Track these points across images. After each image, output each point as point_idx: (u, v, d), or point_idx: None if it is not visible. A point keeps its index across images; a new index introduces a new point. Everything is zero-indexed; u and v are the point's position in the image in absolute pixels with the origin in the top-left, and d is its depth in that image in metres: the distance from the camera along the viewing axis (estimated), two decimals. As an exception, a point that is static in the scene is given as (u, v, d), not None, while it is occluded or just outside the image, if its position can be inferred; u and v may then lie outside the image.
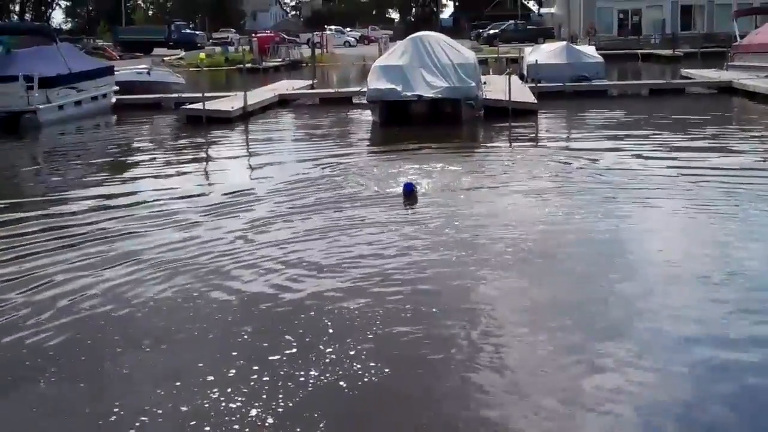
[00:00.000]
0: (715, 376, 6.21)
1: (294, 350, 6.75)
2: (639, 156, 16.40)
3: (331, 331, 7.17)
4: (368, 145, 20.27)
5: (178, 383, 6.24)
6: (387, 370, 6.36)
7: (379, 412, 5.83)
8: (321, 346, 6.80)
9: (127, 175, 16.80)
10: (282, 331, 7.18)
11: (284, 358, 6.59)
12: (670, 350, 6.67)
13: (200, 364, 6.59)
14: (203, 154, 19.94)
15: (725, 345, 6.72)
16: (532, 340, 6.93)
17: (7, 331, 7.52)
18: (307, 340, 6.97)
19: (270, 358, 6.60)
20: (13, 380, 6.56)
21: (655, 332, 7.03)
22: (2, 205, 13.26)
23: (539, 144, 19.48)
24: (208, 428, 5.49)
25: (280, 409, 5.74)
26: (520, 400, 5.86)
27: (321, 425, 5.50)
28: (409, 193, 11.94)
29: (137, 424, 5.59)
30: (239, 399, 5.90)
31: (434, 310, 7.70)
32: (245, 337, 7.15)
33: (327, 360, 6.52)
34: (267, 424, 5.54)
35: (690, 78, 34.14)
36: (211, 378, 6.29)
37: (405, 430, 5.56)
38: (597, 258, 9.33)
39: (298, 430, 5.44)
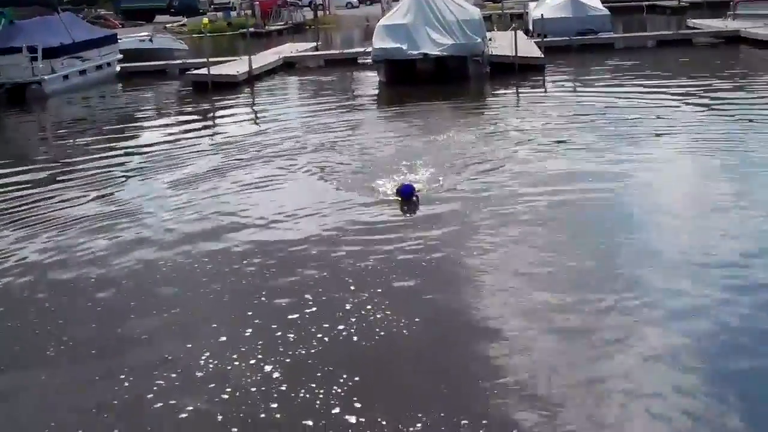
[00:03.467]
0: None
1: (314, 308, 6.78)
2: (652, 104, 16.52)
3: (352, 287, 7.22)
4: (375, 106, 20.20)
5: (189, 345, 6.27)
6: (404, 321, 6.43)
7: (398, 362, 5.88)
8: (340, 302, 6.86)
9: (135, 140, 16.73)
10: (297, 290, 7.23)
11: (306, 316, 6.64)
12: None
13: (213, 325, 6.63)
14: (210, 119, 19.91)
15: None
16: (543, 284, 6.97)
17: (14, 290, 7.65)
18: (324, 298, 7.01)
19: (289, 317, 6.64)
20: (23, 340, 6.64)
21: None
22: (16, 172, 13.32)
23: (548, 97, 19.40)
24: (228, 389, 5.53)
25: (296, 365, 5.80)
26: (533, 346, 5.90)
27: (341, 377, 5.55)
28: (408, 197, 9.74)
29: (153, 387, 5.62)
30: (256, 357, 5.95)
31: (447, 264, 7.74)
32: (261, 297, 7.18)
33: (345, 315, 6.57)
34: (284, 380, 5.58)
35: (696, 28, 33.76)
36: (224, 338, 6.35)
37: (421, 377, 5.59)
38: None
39: (318, 384, 5.50)
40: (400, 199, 9.68)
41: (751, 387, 5.33)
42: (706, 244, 7.92)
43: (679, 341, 5.91)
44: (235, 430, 5.05)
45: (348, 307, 6.75)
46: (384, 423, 5.00)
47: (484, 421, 4.98)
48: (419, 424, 4.94)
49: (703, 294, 6.71)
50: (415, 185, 9.90)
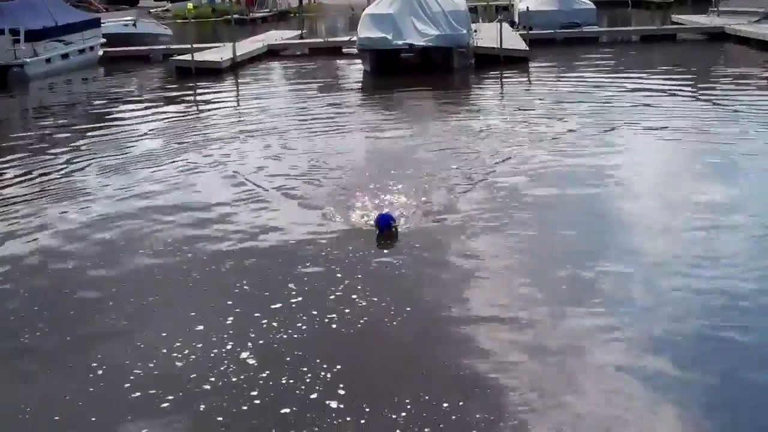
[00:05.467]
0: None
1: (300, 298, 6.76)
2: (636, 97, 16.75)
3: (338, 274, 7.24)
4: (359, 96, 20.14)
5: (164, 334, 6.21)
6: (392, 311, 6.44)
7: (380, 351, 5.89)
8: (324, 292, 6.87)
9: (113, 125, 16.56)
10: (281, 282, 7.20)
11: (292, 305, 6.62)
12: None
13: (192, 313, 6.59)
14: (192, 105, 19.85)
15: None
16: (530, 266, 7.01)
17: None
18: (307, 289, 7.00)
19: (272, 306, 6.61)
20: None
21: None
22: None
23: (532, 90, 19.46)
24: (210, 378, 5.49)
25: (277, 353, 5.80)
26: (517, 339, 5.94)
27: (323, 365, 5.55)
28: (385, 228, 8.31)
29: (131, 377, 5.54)
30: (236, 345, 5.93)
31: (433, 261, 7.78)
32: (244, 287, 7.13)
33: (329, 305, 6.58)
34: (265, 368, 5.57)
35: (681, 24, 33.93)
36: (201, 327, 6.30)
37: (403, 365, 5.61)
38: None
39: (299, 372, 5.50)
40: (377, 230, 8.32)
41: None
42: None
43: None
44: (220, 418, 5.02)
45: (332, 297, 6.74)
46: (367, 410, 5.00)
47: (461, 404, 5.00)
48: (403, 413, 4.94)
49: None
50: (393, 213, 8.57)
